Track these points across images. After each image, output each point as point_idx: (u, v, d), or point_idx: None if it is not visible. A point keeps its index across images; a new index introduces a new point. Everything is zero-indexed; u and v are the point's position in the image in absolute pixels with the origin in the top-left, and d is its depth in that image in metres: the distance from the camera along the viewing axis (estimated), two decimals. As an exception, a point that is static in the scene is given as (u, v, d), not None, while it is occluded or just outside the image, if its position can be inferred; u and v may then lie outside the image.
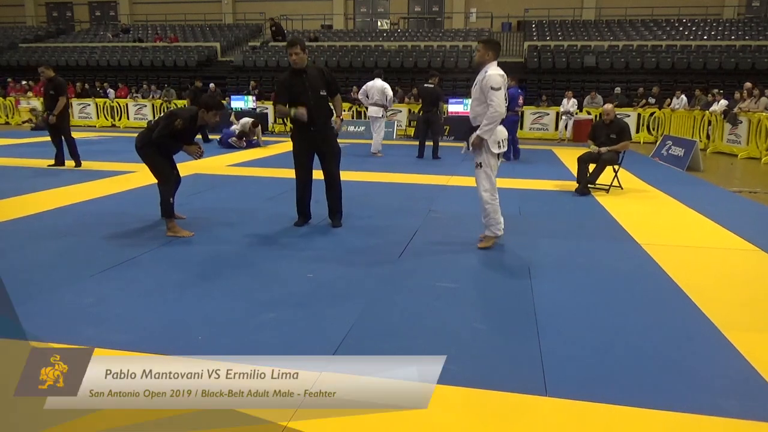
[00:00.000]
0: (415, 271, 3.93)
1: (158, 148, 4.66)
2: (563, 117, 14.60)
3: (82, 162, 8.37)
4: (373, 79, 10.71)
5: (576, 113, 14.58)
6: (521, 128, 15.62)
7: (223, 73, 19.75)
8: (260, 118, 13.16)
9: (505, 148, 4.42)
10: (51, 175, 7.65)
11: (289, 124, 16.14)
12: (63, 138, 8.25)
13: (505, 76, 4.23)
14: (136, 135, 4.93)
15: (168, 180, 4.70)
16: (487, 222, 4.47)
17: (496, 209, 4.41)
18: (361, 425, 2.01)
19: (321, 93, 4.89)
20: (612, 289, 3.65)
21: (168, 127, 4.53)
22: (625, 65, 17.00)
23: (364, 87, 10.86)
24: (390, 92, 10.74)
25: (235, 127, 11.81)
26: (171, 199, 4.68)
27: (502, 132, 4.32)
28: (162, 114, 4.72)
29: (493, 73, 4.17)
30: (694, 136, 12.36)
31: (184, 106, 12.30)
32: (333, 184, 5.13)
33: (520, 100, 10.79)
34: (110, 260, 3.99)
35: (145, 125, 4.77)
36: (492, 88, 4.10)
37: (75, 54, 21.10)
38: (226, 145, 11.48)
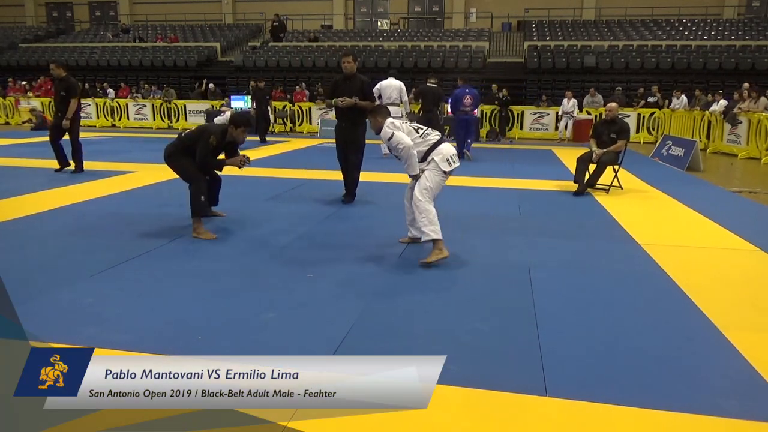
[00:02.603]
0: (416, 271, 3.93)
1: (202, 167, 4.69)
2: (563, 117, 14.60)
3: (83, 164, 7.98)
4: (386, 78, 10.17)
5: (577, 113, 14.59)
6: (521, 128, 15.68)
7: (223, 73, 19.76)
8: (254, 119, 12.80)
9: (458, 164, 4.24)
10: (51, 176, 7.65)
11: (289, 125, 16.24)
12: (70, 140, 7.79)
13: (394, 121, 4.19)
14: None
15: (197, 179, 4.68)
16: (425, 221, 4.08)
17: (429, 209, 4.12)
18: (361, 425, 2.01)
19: (355, 97, 5.87)
20: (612, 289, 3.65)
21: (207, 147, 4.55)
22: (625, 65, 17.00)
23: (377, 86, 10.05)
24: (405, 92, 10.48)
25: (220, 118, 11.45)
26: (202, 197, 4.67)
27: (447, 149, 4.18)
28: (193, 129, 4.73)
29: (384, 130, 4.14)
30: (694, 136, 12.37)
31: (252, 105, 12.83)
32: (351, 170, 6.24)
33: (466, 100, 10.26)
34: (110, 260, 3.99)
35: (176, 137, 4.81)
36: (388, 140, 4.11)
37: (75, 54, 21.11)
38: None
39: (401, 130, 4.14)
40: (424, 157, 4.19)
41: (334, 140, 6.30)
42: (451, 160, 4.19)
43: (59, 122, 7.67)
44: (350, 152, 6.14)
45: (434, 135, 4.26)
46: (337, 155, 6.28)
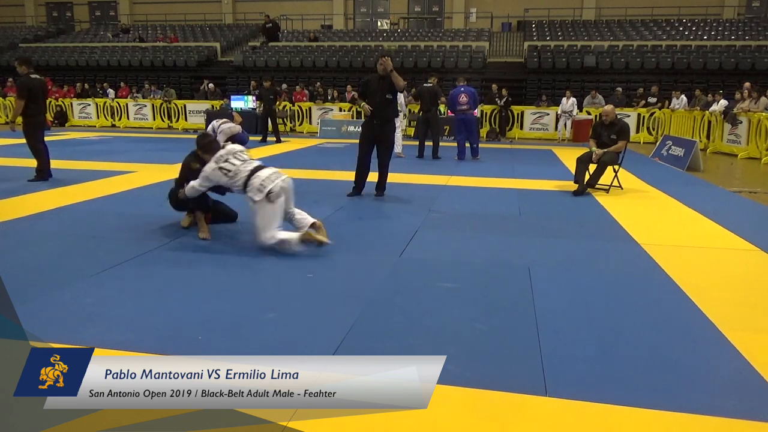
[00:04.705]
0: (415, 271, 3.93)
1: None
2: (561, 117, 14.62)
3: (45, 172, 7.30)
4: None
5: (577, 113, 14.59)
6: (521, 128, 15.67)
7: (223, 73, 19.76)
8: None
9: (273, 183, 4.18)
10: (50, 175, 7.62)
11: (289, 124, 16.26)
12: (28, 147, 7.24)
13: (219, 157, 4.31)
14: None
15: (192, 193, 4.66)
16: (281, 244, 4.20)
17: (275, 238, 4.19)
18: (361, 425, 2.01)
19: (387, 96, 6.17)
20: (612, 289, 3.65)
21: (196, 173, 4.60)
22: (625, 65, 17.00)
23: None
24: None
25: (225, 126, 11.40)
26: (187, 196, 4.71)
27: (257, 181, 4.20)
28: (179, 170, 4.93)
29: (208, 165, 4.36)
30: (694, 136, 12.37)
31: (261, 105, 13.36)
32: (382, 168, 6.46)
33: (461, 98, 10.04)
34: (110, 260, 3.99)
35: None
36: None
37: (75, 54, 21.10)
38: None
39: (209, 179, 4.31)
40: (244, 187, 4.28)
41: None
42: (261, 187, 4.17)
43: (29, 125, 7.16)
44: (381, 149, 6.33)
45: (244, 170, 4.26)
46: (359, 153, 6.36)
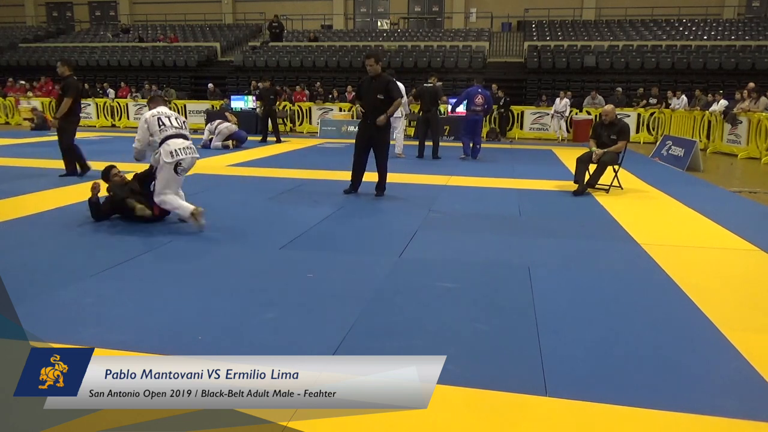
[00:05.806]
0: (415, 271, 3.93)
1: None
2: (554, 117, 14.64)
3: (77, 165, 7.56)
4: None
5: (573, 112, 14.58)
6: (521, 128, 15.68)
7: (223, 73, 19.77)
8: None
9: (182, 156, 4.77)
10: (51, 176, 7.63)
11: (289, 124, 16.27)
12: (58, 144, 7.51)
13: (147, 116, 4.88)
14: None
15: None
16: (174, 208, 4.85)
17: (169, 200, 4.82)
18: (361, 425, 2.01)
19: (378, 96, 6.28)
20: (612, 289, 3.65)
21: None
22: (625, 65, 17.01)
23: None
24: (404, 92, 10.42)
25: (225, 126, 11.63)
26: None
27: (174, 143, 4.78)
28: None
29: (147, 113, 4.94)
30: (694, 136, 12.37)
31: (261, 106, 13.56)
32: (380, 168, 6.49)
33: (478, 99, 10.08)
34: (110, 260, 3.99)
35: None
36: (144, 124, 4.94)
37: (75, 54, 21.10)
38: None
39: (145, 127, 4.87)
40: (158, 145, 4.86)
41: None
42: (174, 153, 4.75)
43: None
44: (378, 149, 6.41)
45: (172, 129, 4.84)
46: (355, 152, 6.48)
